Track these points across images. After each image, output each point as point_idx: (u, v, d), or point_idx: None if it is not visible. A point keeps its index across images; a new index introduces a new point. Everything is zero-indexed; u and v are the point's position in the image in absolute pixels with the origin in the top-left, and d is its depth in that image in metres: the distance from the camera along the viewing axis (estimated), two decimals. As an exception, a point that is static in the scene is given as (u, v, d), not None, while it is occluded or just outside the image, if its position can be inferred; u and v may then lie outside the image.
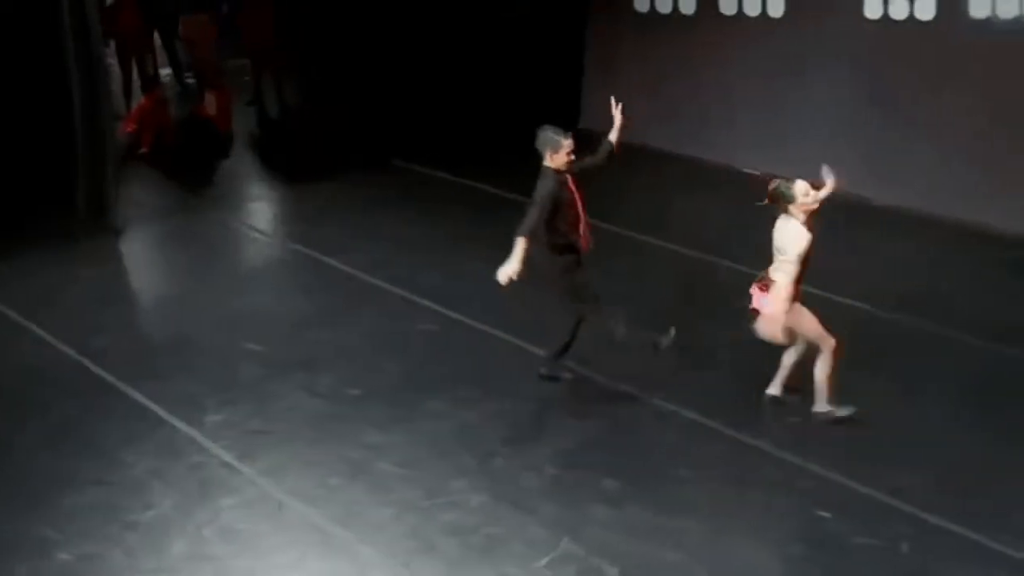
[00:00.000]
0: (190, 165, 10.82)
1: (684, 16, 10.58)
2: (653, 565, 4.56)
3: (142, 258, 9.04)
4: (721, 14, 10.29)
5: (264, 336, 6.93)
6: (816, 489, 5.17)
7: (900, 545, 4.67)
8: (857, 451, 5.51)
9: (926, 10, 9.03)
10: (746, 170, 10.20)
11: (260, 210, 10.13)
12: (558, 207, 5.87)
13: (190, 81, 13.30)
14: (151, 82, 12.09)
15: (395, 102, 10.94)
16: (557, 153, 5.86)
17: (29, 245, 8.40)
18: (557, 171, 5.89)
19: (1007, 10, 8.61)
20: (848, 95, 9.60)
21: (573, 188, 5.96)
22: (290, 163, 11.05)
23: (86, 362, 6.51)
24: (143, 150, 10.87)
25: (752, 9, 10.10)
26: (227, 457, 5.44)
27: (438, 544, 4.72)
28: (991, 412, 5.99)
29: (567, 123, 6.32)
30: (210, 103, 11.56)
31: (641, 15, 10.82)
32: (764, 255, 5.64)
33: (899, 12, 9.16)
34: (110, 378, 6.32)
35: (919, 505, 4.95)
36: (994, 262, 8.30)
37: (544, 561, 4.57)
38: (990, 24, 8.73)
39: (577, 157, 5.97)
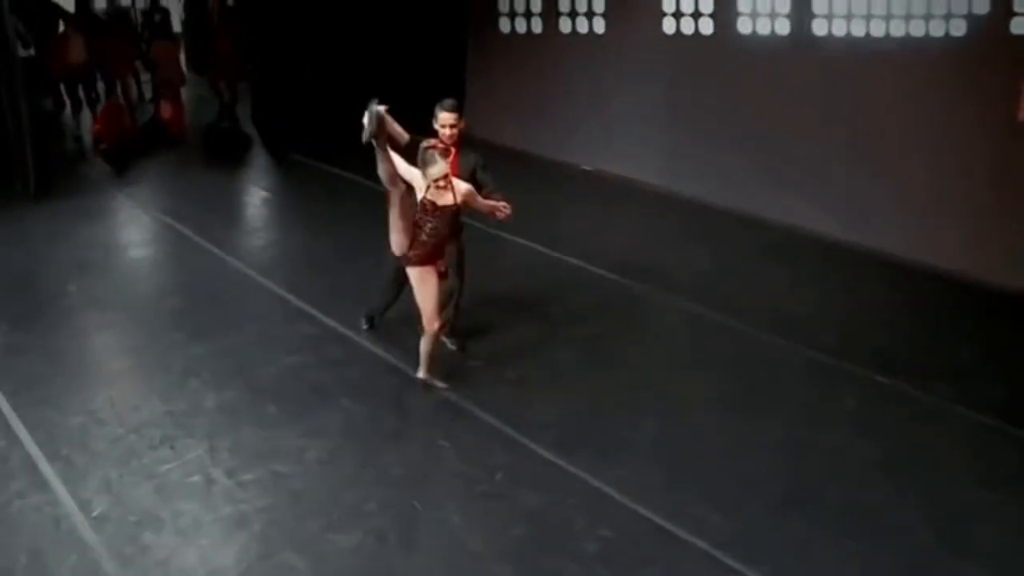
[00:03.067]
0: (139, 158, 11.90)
1: (535, 35, 11.26)
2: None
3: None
4: (560, 32, 10.97)
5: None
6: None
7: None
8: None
9: (707, 27, 9.64)
10: (583, 167, 10.92)
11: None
12: None
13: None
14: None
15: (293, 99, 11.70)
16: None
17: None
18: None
19: (765, 28, 9.19)
20: (653, 98, 10.19)
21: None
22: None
23: None
24: (103, 146, 12.03)
25: (582, 27, 10.79)
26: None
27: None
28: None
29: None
30: (165, 109, 12.71)
31: (505, 35, 11.51)
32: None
33: (687, 28, 9.79)
34: None
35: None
36: (755, 246, 8.82)
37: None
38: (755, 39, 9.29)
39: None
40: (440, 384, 6.07)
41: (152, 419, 5.87)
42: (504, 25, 11.43)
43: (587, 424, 5.82)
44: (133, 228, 9.84)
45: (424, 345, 5.92)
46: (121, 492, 5.14)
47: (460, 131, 6.00)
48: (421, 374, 6.05)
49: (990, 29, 7.66)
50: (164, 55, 12.93)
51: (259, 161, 12.05)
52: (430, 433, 5.71)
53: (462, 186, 5.60)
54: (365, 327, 6.85)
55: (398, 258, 5.76)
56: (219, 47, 13.04)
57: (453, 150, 5.79)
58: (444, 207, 5.49)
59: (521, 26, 11.31)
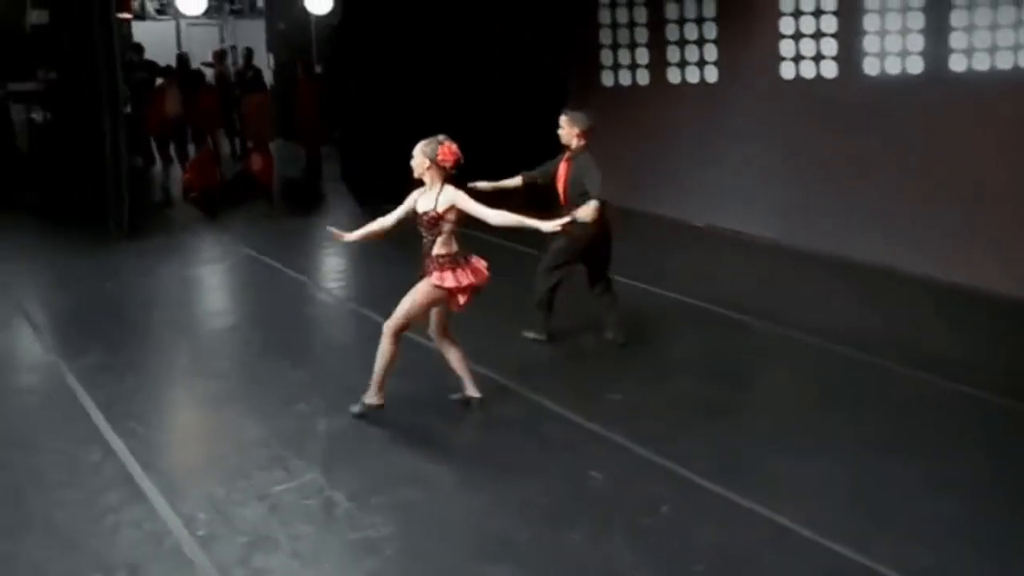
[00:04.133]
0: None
1: (641, 87, 10.82)
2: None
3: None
4: (669, 83, 10.51)
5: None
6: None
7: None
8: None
9: (829, 70, 9.11)
10: (693, 223, 10.30)
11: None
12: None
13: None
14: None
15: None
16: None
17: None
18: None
19: (895, 67, 8.61)
20: (770, 146, 9.58)
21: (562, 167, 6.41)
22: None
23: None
24: (193, 194, 11.82)
25: (693, 77, 10.34)
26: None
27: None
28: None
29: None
30: (255, 161, 12.47)
31: (607, 88, 11.08)
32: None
33: (808, 72, 9.25)
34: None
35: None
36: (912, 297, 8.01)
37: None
38: (883, 79, 8.71)
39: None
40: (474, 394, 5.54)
41: (258, 439, 5.29)
42: (607, 78, 11.02)
43: (744, 458, 5.15)
44: (222, 262, 9.52)
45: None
46: (228, 511, 4.50)
47: (573, 136, 6.30)
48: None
49: None
50: (255, 109, 12.78)
51: (345, 209, 11.57)
52: (575, 463, 4.99)
53: (448, 194, 5.25)
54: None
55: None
56: (304, 113, 13.01)
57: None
58: (423, 215, 5.28)
59: (626, 79, 10.87)
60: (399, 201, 5.40)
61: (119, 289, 8.32)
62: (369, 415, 5.35)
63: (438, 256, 5.24)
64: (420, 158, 5.26)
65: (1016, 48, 7.81)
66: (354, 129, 12.32)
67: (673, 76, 10.41)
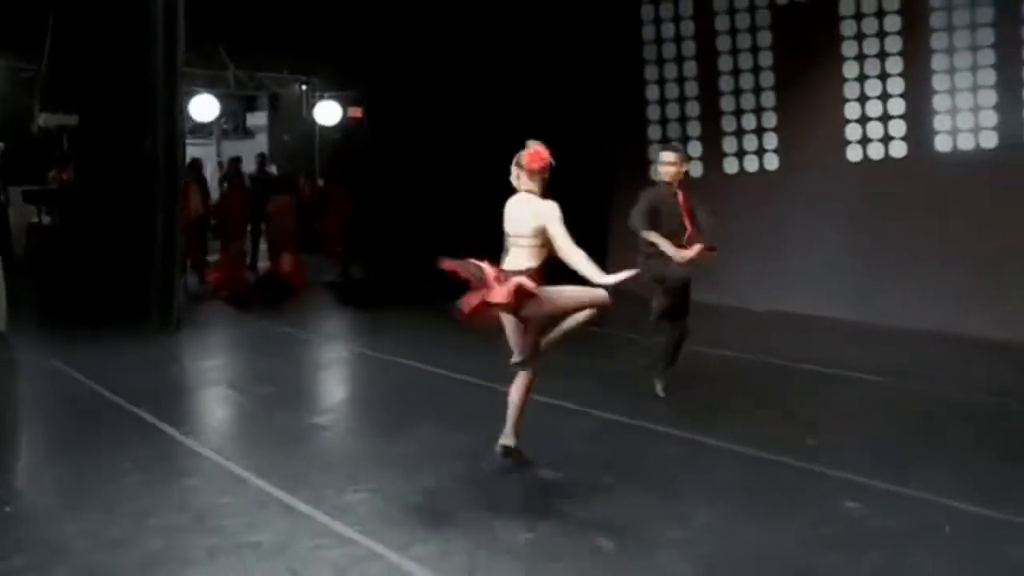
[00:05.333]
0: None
1: (693, 179, 11.24)
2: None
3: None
4: (725, 173, 11.00)
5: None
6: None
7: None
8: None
9: (898, 150, 9.73)
10: (755, 309, 10.55)
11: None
12: (657, 214, 6.39)
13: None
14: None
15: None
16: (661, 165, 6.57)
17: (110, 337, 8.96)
18: (667, 183, 6.52)
19: (967, 143, 9.29)
20: (834, 230, 10.03)
21: (680, 200, 6.49)
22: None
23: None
24: (223, 294, 11.53)
25: (751, 166, 10.86)
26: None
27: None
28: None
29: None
30: (286, 262, 12.31)
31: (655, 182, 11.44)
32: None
33: (876, 154, 9.87)
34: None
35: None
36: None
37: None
38: (955, 156, 9.34)
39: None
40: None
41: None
42: (654, 172, 11.40)
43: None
44: (289, 346, 9.16)
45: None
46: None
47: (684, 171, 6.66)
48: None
49: None
50: (280, 210, 12.70)
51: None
52: (817, 501, 4.84)
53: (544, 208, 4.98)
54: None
55: None
56: (321, 227, 13.34)
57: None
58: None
59: (678, 170, 11.29)
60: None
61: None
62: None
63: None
64: (514, 168, 5.10)
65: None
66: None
67: (730, 167, 10.93)
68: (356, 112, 16.16)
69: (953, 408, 6.72)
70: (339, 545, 4.22)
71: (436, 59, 12.64)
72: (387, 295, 12.14)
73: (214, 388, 7.52)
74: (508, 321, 5.08)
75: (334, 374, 8.35)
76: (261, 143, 17.80)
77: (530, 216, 4.94)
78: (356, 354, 8.74)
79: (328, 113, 15.87)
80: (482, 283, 4.80)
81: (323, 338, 9.71)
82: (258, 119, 18.65)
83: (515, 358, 5.13)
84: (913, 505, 4.70)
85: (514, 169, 5.08)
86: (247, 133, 18.84)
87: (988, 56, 9.05)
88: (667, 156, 6.68)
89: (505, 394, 5.20)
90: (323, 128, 16.35)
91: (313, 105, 16.20)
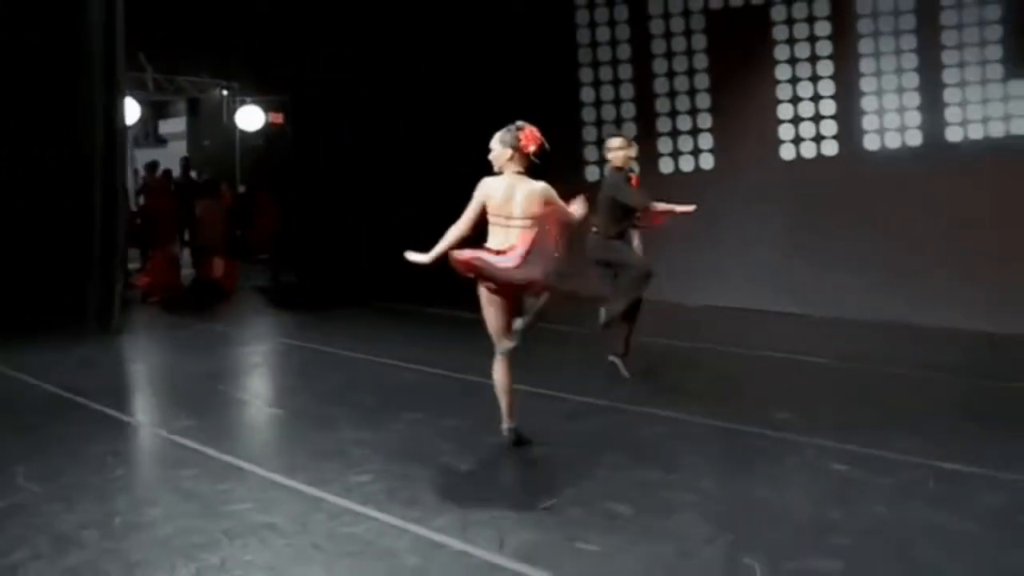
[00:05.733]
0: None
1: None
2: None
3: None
4: (661, 173, 11.32)
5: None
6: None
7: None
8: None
9: (830, 148, 10.25)
10: (690, 304, 10.87)
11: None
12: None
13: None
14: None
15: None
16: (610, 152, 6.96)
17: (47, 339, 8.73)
18: (617, 168, 6.92)
19: (894, 141, 9.86)
20: (769, 225, 10.48)
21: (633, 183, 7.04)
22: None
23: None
24: (154, 299, 11.27)
25: (686, 166, 11.23)
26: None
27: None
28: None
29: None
30: (217, 266, 12.10)
31: (591, 183, 11.75)
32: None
33: (808, 152, 10.37)
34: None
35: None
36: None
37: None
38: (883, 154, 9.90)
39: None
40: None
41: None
42: (591, 174, 11.71)
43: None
44: (235, 345, 9.07)
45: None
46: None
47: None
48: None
49: None
50: (210, 214, 12.49)
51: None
52: (806, 465, 5.12)
53: (538, 187, 5.06)
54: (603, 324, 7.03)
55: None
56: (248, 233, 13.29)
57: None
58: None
59: (611, 171, 11.58)
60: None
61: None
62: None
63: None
64: (500, 148, 5.07)
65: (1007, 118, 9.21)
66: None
67: (665, 166, 11.28)
68: (277, 118, 16.00)
69: (904, 384, 7.14)
70: (358, 522, 4.24)
71: (360, 61, 12.67)
72: (321, 297, 12.08)
73: (173, 384, 7.42)
74: (493, 303, 5.16)
75: (287, 369, 8.26)
76: (174, 151, 17.42)
77: (523, 197, 4.98)
78: (306, 349, 8.66)
79: (250, 118, 15.66)
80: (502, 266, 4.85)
81: (266, 337, 9.64)
82: (171, 126, 18.25)
83: (509, 342, 5.20)
84: (895, 465, 4.99)
85: (500, 148, 5.06)
86: (159, 141, 18.40)
87: (911, 60, 9.64)
88: (614, 142, 7.11)
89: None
90: (244, 134, 16.12)
91: (234, 110, 15.95)
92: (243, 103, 15.95)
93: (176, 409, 6.39)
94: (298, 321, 10.50)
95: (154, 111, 18.05)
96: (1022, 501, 4.50)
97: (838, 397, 6.76)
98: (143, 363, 8.36)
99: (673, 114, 11.18)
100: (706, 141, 11.01)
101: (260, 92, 15.84)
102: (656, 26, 11.15)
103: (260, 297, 12.33)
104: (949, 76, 9.42)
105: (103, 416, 6.19)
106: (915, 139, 9.66)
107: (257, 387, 7.51)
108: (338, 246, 12.91)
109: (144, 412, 6.58)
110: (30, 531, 4.18)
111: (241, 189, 15.76)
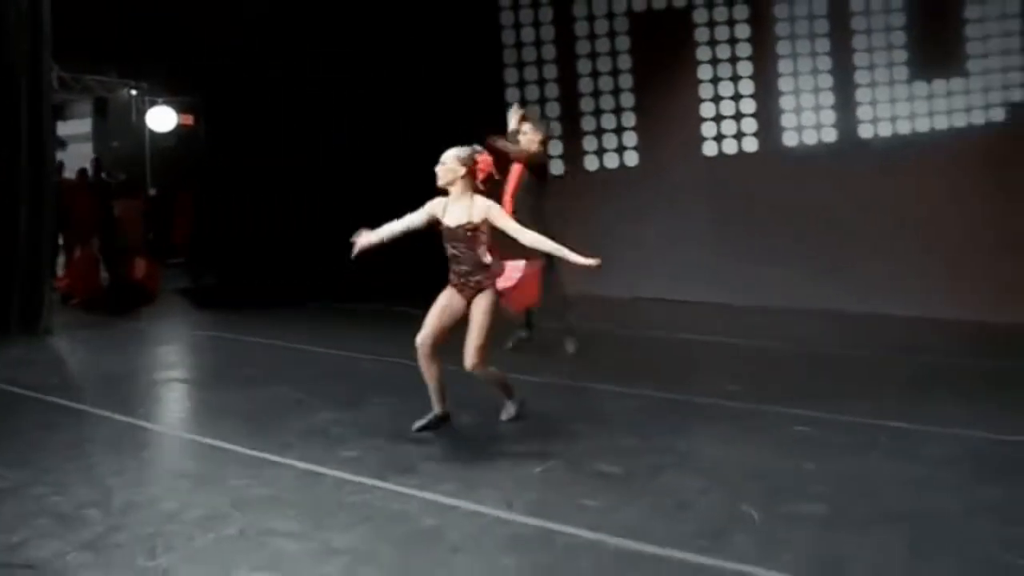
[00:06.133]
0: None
1: (554, 176, 11.89)
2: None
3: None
4: (586, 170, 11.72)
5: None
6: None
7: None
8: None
9: (750, 145, 10.84)
10: (619, 296, 11.25)
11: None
12: None
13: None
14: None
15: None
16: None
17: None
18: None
19: (811, 138, 10.52)
20: (695, 219, 10.99)
21: None
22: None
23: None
24: (75, 301, 10.98)
25: (611, 163, 11.64)
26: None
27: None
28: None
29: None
30: (139, 267, 11.86)
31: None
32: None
33: (730, 148, 10.93)
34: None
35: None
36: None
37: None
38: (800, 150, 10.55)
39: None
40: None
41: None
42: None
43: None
44: (173, 342, 9.02)
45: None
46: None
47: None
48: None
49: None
50: (130, 214, 12.28)
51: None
52: (769, 428, 5.54)
53: (480, 205, 5.20)
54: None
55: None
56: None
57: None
58: (458, 227, 5.22)
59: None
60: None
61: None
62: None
63: (484, 267, 5.19)
64: (454, 164, 5.16)
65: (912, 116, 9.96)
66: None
67: (591, 164, 11.67)
68: (187, 119, 15.75)
69: (842, 362, 7.72)
70: (363, 491, 4.38)
71: (275, 60, 12.62)
72: (244, 295, 11.96)
73: (124, 377, 7.23)
74: (452, 307, 5.24)
75: (232, 359, 8.25)
76: (76, 153, 16.91)
77: (479, 214, 5.12)
78: (250, 343, 8.65)
79: (162, 119, 15.38)
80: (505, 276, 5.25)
81: (201, 331, 9.54)
82: (72, 127, 17.68)
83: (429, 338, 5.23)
84: (849, 427, 5.45)
85: (455, 165, 5.15)
86: (60, 143, 17.81)
87: (826, 62, 10.31)
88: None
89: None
90: (155, 135, 15.80)
91: (144, 111, 15.63)
92: (153, 103, 15.63)
93: (135, 398, 6.36)
94: (228, 318, 10.42)
95: (54, 112, 17.45)
96: (961, 450, 5.07)
97: (781, 373, 7.23)
98: (84, 360, 8.19)
99: (598, 113, 11.58)
100: (631, 139, 11.45)
101: (171, 92, 15.56)
102: (580, 27, 11.54)
103: (183, 298, 12.14)
104: (860, 77, 10.13)
105: (60, 407, 6.11)
106: (830, 136, 10.32)
107: (209, 378, 7.46)
108: (259, 247, 12.83)
109: (102, 402, 6.44)
110: (26, 513, 4.15)
111: (152, 191, 15.45)
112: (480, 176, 5.20)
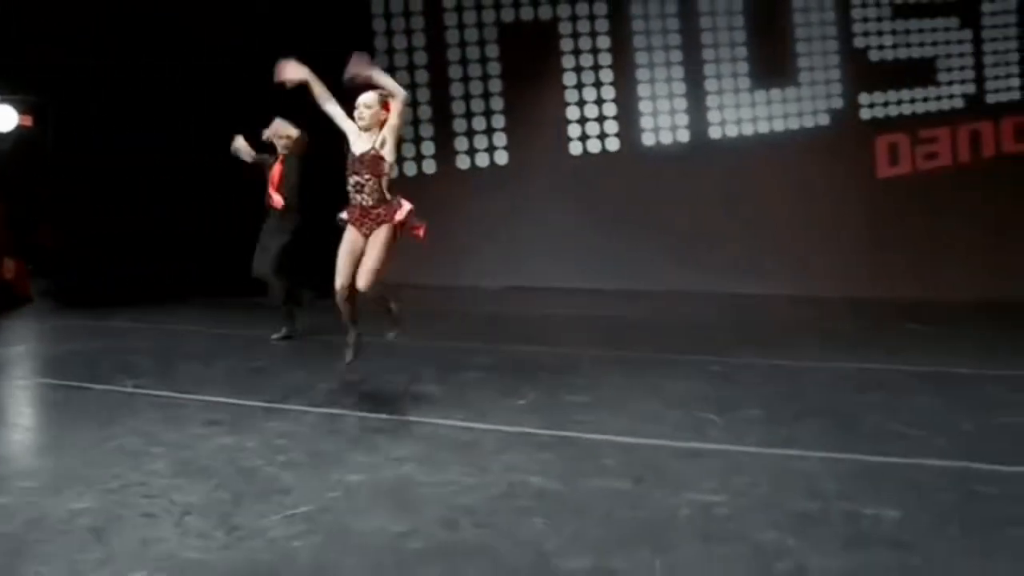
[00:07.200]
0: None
1: (427, 175, 12.73)
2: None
3: None
4: (458, 169, 12.61)
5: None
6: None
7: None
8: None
9: (612, 144, 12.13)
10: (489, 287, 12.18)
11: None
12: None
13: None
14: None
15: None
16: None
17: None
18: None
19: (667, 138, 11.94)
20: (563, 213, 12.11)
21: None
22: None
23: None
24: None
25: (482, 162, 12.62)
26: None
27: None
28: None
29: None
30: (8, 268, 11.65)
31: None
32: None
33: (594, 148, 12.17)
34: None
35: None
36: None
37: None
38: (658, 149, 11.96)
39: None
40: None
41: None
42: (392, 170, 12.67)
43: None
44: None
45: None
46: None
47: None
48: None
49: (846, 117, 11.04)
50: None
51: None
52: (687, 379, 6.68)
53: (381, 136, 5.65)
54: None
55: None
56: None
57: None
58: (364, 155, 5.63)
59: (410, 169, 12.62)
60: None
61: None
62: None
63: (387, 199, 5.60)
64: (376, 107, 5.58)
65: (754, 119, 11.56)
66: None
67: (462, 163, 12.57)
68: (26, 120, 15.31)
69: (719, 325, 9.04)
70: (394, 425, 5.08)
71: (128, 57, 12.73)
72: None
73: (57, 361, 7.30)
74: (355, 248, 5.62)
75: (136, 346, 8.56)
76: None
77: (381, 141, 5.57)
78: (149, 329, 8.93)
79: (2, 119, 14.87)
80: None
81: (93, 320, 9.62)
82: None
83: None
84: (760, 368, 6.65)
85: (377, 108, 5.59)
86: None
87: (679, 70, 11.76)
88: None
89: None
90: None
91: (-21, 110, 15.05)
92: (-10, 102, 15.08)
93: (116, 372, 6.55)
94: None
95: None
96: (862, 379, 6.30)
97: (671, 337, 8.41)
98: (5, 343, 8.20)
99: (469, 115, 12.50)
100: (500, 139, 12.46)
101: (9, 91, 15.07)
102: (452, 35, 12.45)
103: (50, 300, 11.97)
104: (709, 85, 11.63)
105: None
106: (684, 136, 11.77)
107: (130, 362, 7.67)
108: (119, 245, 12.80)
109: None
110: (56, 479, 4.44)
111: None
112: (387, 109, 5.62)
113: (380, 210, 5.58)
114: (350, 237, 5.66)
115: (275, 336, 7.90)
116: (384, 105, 5.63)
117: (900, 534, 3.40)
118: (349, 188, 5.65)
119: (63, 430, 5.01)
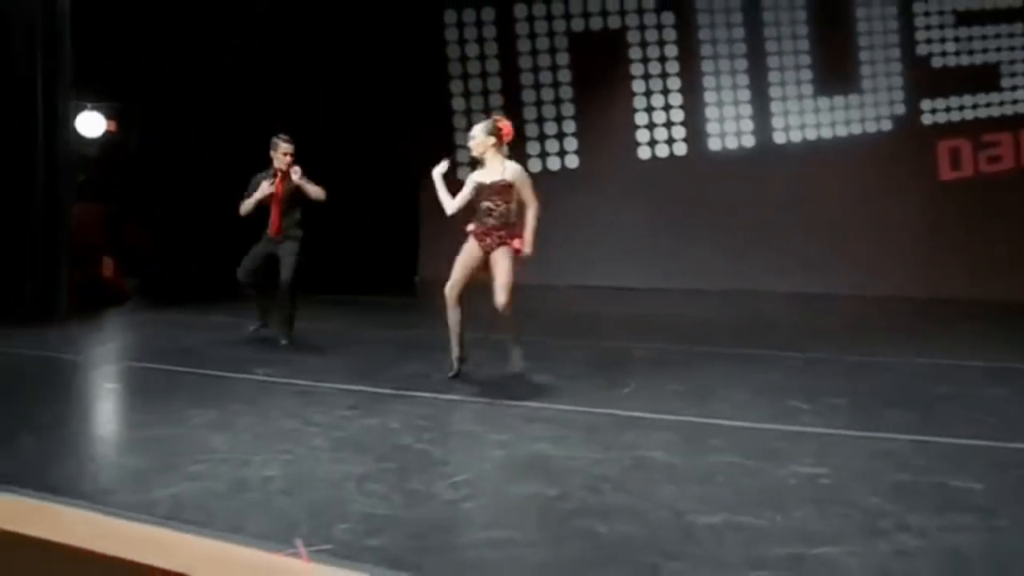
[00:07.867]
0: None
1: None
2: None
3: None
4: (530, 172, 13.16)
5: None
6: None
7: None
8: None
9: (680, 149, 12.68)
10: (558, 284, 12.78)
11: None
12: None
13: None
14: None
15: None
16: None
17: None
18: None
19: (733, 143, 12.47)
20: (632, 215, 12.71)
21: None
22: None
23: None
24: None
25: (554, 165, 13.24)
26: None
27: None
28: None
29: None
30: (108, 266, 12.47)
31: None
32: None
33: (662, 152, 12.73)
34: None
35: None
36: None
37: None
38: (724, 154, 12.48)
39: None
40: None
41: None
42: (461, 172, 13.34)
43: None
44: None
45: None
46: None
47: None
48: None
49: (908, 123, 11.50)
50: (89, 216, 12.85)
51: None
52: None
53: (513, 167, 6.35)
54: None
55: None
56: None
57: None
58: (493, 184, 6.23)
59: (479, 169, 13.27)
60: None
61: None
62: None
63: (511, 222, 6.16)
64: (482, 137, 6.18)
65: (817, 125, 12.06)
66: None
67: (534, 166, 13.18)
68: (111, 125, 16.15)
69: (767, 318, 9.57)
70: (500, 408, 5.72)
71: (202, 71, 13.41)
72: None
73: (180, 352, 7.85)
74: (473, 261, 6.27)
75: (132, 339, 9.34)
76: None
77: (512, 173, 6.23)
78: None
79: (91, 125, 15.74)
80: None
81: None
82: None
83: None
84: (850, 365, 7.21)
85: (483, 137, 6.20)
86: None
87: (744, 78, 12.30)
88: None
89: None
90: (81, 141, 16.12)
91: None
92: (81, 109, 15.94)
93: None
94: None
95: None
96: (933, 373, 6.92)
97: (748, 333, 8.98)
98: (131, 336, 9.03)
99: (540, 120, 13.16)
100: (571, 144, 13.09)
101: (97, 98, 15.94)
102: (523, 44, 13.10)
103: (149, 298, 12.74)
104: (774, 92, 12.16)
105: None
106: (749, 142, 12.31)
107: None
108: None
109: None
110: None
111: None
112: (506, 139, 6.24)
113: (503, 232, 6.18)
114: (470, 249, 6.30)
115: (252, 328, 8.16)
116: (495, 136, 6.20)
117: (986, 502, 3.96)
118: (479, 210, 6.26)
119: (224, 413, 5.67)
